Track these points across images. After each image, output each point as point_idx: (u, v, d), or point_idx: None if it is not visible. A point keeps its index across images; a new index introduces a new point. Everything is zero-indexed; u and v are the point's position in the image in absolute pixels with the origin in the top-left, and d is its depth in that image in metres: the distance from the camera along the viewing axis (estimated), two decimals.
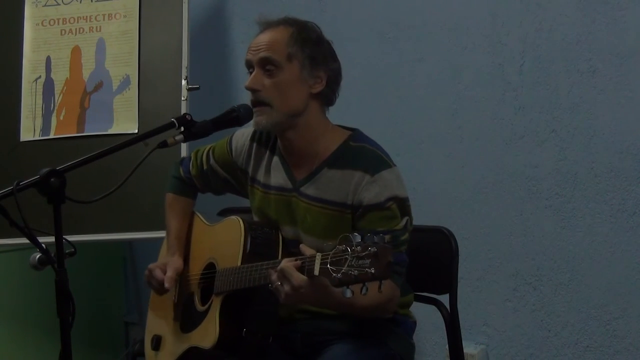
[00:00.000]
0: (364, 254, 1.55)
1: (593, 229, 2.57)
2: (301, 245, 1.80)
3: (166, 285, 2.15)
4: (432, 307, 2.22)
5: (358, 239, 1.58)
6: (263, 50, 1.97)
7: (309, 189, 2.02)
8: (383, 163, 1.97)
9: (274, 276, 1.76)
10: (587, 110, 2.56)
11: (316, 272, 1.65)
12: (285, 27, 2.00)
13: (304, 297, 1.76)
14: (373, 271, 1.54)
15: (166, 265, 2.20)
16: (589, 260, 2.59)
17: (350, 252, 1.57)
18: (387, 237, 1.82)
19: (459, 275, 2.21)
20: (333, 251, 1.61)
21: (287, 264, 1.74)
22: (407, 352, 2.10)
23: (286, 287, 1.74)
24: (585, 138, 2.57)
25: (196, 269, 2.22)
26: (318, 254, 1.66)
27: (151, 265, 2.21)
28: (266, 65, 1.96)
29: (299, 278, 1.71)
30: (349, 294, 1.58)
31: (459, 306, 2.18)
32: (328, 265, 1.59)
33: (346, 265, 1.56)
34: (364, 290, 1.57)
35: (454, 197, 2.88)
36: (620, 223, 2.51)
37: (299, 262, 1.73)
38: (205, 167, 2.26)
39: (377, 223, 1.90)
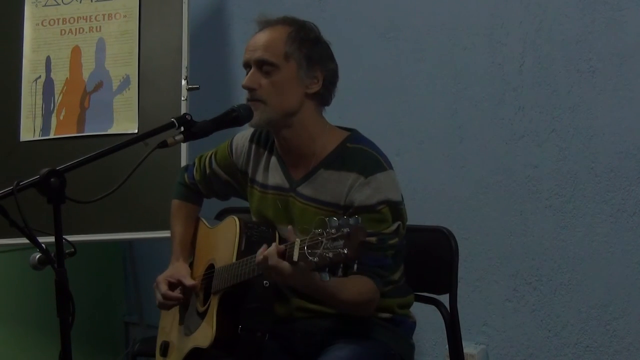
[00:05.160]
0: (337, 235, 1.57)
1: (593, 229, 2.57)
2: (289, 228, 1.80)
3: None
4: (432, 307, 2.22)
5: (334, 222, 1.59)
6: (260, 50, 1.97)
7: (305, 189, 2.02)
8: (378, 165, 1.97)
9: (261, 261, 1.76)
10: (587, 110, 2.56)
11: (295, 258, 1.66)
12: (283, 26, 2.00)
13: (291, 282, 1.77)
14: (346, 251, 1.55)
15: (173, 276, 2.19)
16: (589, 260, 2.59)
17: (325, 235, 1.58)
18: (373, 239, 1.83)
19: (459, 275, 2.21)
20: (310, 236, 1.62)
21: (272, 251, 1.74)
22: (406, 352, 2.10)
23: (273, 275, 1.75)
24: (585, 138, 2.57)
25: (199, 271, 2.22)
26: (297, 239, 1.67)
27: (159, 278, 2.21)
28: (263, 65, 1.97)
29: (282, 265, 1.72)
30: (326, 277, 1.59)
31: (459, 306, 2.18)
32: (305, 249, 1.61)
33: (322, 248, 1.57)
34: (339, 272, 1.58)
35: (454, 197, 2.87)
36: (620, 223, 2.51)
37: (282, 247, 1.74)
38: (208, 171, 2.26)
39: (366, 225, 1.84)
